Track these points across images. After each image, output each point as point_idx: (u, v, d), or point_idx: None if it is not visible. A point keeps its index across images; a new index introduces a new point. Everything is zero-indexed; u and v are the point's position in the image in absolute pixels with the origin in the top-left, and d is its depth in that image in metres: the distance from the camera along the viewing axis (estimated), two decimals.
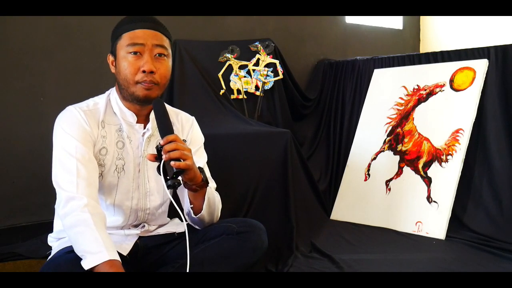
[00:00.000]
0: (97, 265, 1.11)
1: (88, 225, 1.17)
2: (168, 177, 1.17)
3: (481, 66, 2.37)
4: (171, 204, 1.50)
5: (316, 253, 2.06)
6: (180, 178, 1.20)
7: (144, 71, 1.27)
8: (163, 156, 1.17)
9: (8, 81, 2.11)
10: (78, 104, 1.35)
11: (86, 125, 1.30)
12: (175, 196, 1.50)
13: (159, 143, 1.19)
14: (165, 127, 1.23)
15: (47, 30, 2.21)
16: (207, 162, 1.49)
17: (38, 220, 2.12)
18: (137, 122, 1.37)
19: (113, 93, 1.39)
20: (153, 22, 1.32)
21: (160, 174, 1.18)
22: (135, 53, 1.28)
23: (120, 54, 1.30)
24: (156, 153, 1.20)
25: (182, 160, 1.18)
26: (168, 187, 1.17)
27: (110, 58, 1.36)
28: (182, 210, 1.34)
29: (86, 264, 1.12)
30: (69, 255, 1.20)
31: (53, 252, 1.35)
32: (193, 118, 1.52)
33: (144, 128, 1.38)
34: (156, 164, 1.20)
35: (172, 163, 1.16)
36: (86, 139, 1.29)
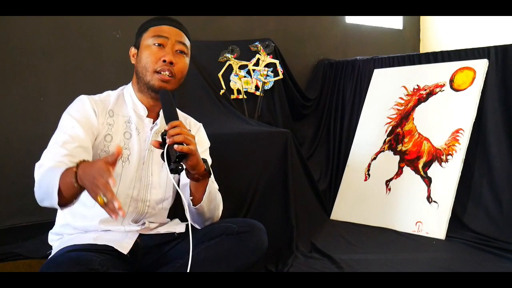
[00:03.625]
0: (59, 184, 1.07)
1: (47, 169, 1.17)
2: (171, 162, 1.19)
3: (481, 66, 2.37)
4: (171, 204, 1.51)
5: (316, 253, 2.06)
6: (183, 164, 1.22)
7: (164, 61, 1.34)
8: (167, 141, 1.20)
9: (8, 81, 2.11)
10: (91, 95, 1.40)
11: (94, 113, 1.34)
12: (176, 196, 1.51)
13: (164, 129, 1.23)
14: (170, 114, 1.27)
15: (47, 30, 2.21)
16: (211, 165, 1.50)
17: (38, 220, 2.12)
18: (147, 117, 1.42)
19: (127, 87, 1.46)
20: (179, 24, 1.42)
21: (164, 161, 1.19)
22: (159, 44, 1.36)
23: (144, 44, 1.38)
24: (161, 140, 1.23)
25: (185, 144, 1.20)
26: (171, 171, 1.19)
27: (132, 51, 1.43)
28: (182, 211, 1.34)
29: (54, 195, 1.07)
30: (69, 254, 1.20)
31: (53, 252, 1.35)
32: (200, 124, 1.58)
33: (153, 123, 1.42)
34: (159, 157, 1.23)
35: (175, 146, 1.18)
36: (87, 124, 1.32)
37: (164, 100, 1.30)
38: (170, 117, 1.26)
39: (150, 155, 1.41)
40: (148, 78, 1.36)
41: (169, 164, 1.19)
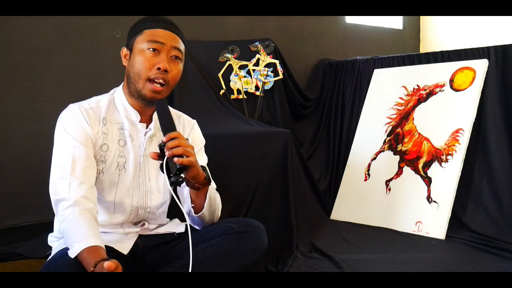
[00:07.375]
0: (80, 252, 1.12)
1: (75, 218, 1.19)
2: (171, 174, 1.17)
3: (481, 66, 2.37)
4: (170, 204, 1.51)
5: (316, 253, 2.06)
6: (183, 175, 1.20)
7: (158, 68, 1.30)
8: (166, 153, 1.18)
9: (8, 81, 2.11)
10: (80, 103, 1.37)
11: (87, 124, 1.32)
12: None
13: (162, 140, 1.20)
14: (168, 125, 1.24)
15: (47, 30, 2.21)
16: (207, 164, 1.50)
17: (38, 220, 2.12)
18: (140, 122, 1.39)
19: (118, 91, 1.41)
20: (174, 27, 1.37)
21: (163, 172, 1.18)
22: (153, 50, 1.31)
23: (137, 47, 1.33)
24: (159, 151, 1.21)
25: (185, 157, 1.18)
26: (171, 184, 1.17)
27: (124, 52, 1.38)
28: (182, 211, 1.34)
29: (72, 253, 1.14)
30: None
31: (53, 252, 1.35)
32: (194, 121, 1.54)
33: (147, 127, 1.39)
34: (159, 162, 1.21)
35: (175, 159, 1.16)
36: (86, 139, 1.31)
37: (160, 110, 1.26)
38: (168, 128, 1.23)
39: (145, 160, 1.40)
40: (139, 86, 1.32)
41: (169, 177, 1.17)
